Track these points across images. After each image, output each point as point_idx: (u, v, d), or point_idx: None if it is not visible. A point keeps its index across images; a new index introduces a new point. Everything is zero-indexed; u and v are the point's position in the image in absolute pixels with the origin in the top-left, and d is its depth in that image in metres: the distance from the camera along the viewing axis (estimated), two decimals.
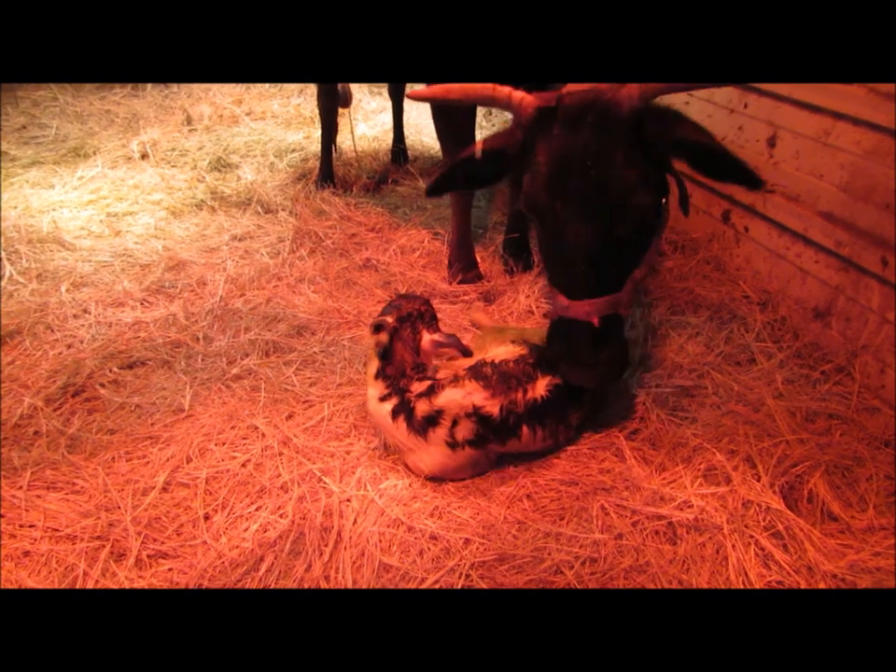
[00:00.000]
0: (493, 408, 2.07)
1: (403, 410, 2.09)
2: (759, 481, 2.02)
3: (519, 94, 1.97)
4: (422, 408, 2.07)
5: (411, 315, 2.15)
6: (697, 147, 1.90)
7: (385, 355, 2.12)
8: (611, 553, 1.86)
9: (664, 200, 2.08)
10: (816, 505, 1.98)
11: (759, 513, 1.95)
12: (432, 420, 2.06)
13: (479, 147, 2.07)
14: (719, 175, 1.97)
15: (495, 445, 2.13)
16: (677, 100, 3.51)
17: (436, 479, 2.16)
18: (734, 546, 1.86)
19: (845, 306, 2.59)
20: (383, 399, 2.13)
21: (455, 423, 2.05)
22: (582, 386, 2.17)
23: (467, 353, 2.22)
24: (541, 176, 1.96)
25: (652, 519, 1.96)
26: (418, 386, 2.11)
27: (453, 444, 2.07)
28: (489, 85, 1.97)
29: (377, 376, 2.15)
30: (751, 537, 1.88)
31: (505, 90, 1.97)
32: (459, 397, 2.07)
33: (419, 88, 2.14)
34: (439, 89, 2.03)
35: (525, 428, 2.12)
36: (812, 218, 2.70)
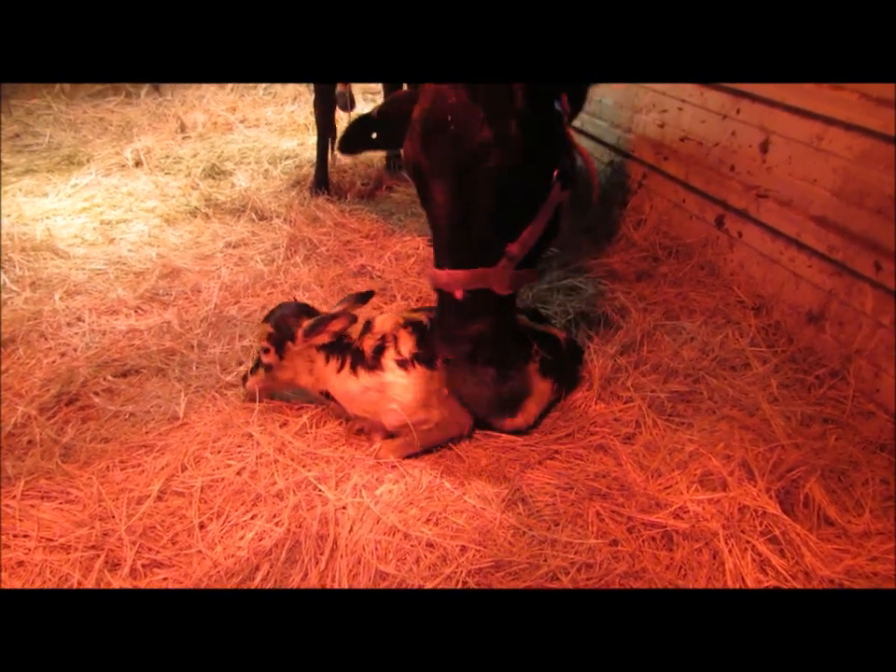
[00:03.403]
0: (420, 316, 2.30)
1: (357, 358, 2.26)
2: (755, 486, 2.03)
3: None
4: (368, 343, 2.27)
5: (308, 312, 2.36)
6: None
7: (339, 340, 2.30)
8: (607, 559, 1.86)
9: (553, 176, 2.03)
10: (812, 509, 1.99)
11: (755, 518, 1.95)
12: (380, 348, 2.25)
13: (376, 108, 2.22)
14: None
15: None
16: (670, 106, 3.55)
17: (417, 443, 2.24)
18: (730, 551, 1.86)
19: (838, 310, 2.60)
20: (340, 369, 2.26)
21: (395, 339, 2.26)
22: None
23: (362, 298, 2.43)
24: (413, 133, 1.94)
25: (648, 525, 1.96)
26: (355, 329, 2.31)
27: (403, 362, 2.22)
28: None
29: (328, 360, 2.29)
30: (748, 542, 1.89)
31: None
32: (390, 314, 2.38)
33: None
34: None
35: None
36: (805, 223, 2.71)
